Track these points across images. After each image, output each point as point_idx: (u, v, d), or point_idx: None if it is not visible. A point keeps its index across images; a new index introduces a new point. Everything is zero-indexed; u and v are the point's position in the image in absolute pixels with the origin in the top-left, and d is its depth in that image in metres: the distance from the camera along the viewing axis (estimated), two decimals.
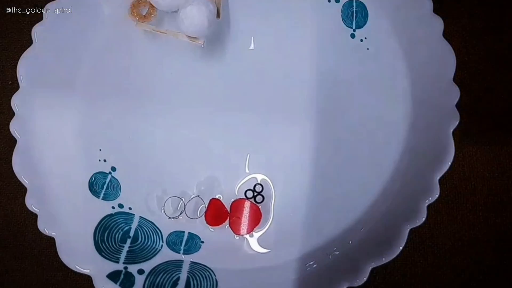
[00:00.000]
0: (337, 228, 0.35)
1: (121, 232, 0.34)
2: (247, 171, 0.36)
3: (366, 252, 0.32)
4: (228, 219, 0.34)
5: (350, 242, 0.34)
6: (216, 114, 0.36)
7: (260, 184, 0.35)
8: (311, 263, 0.34)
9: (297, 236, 0.35)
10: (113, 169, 0.36)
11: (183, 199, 0.34)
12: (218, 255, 0.34)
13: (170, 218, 0.34)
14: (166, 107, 0.37)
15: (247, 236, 0.35)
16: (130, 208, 0.35)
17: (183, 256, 0.34)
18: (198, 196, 0.35)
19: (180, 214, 0.34)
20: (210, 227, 0.34)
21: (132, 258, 0.33)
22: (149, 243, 0.34)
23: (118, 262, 0.33)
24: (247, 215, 0.34)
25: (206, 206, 0.34)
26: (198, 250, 0.34)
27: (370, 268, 0.30)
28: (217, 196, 0.35)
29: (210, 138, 0.36)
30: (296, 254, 0.35)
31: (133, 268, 0.33)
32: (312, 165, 0.36)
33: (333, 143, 0.36)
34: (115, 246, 0.33)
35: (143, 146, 0.36)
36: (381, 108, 0.35)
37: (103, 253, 0.33)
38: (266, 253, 0.35)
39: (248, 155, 0.36)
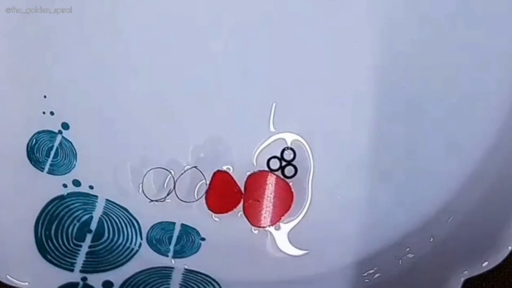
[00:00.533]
0: (411, 219, 0.28)
1: (78, 224, 0.28)
2: (271, 129, 0.29)
3: (455, 255, 0.26)
4: (241, 203, 0.28)
5: (431, 240, 0.27)
6: (222, 37, 0.29)
7: (291, 149, 0.28)
8: (371, 271, 0.27)
9: (349, 231, 0.28)
10: (65, 126, 0.28)
11: (173, 172, 0.28)
12: (227, 259, 0.28)
13: (152, 201, 0.28)
14: (143, 25, 0.29)
15: (272, 229, 0.28)
16: (91, 187, 0.28)
17: (173, 260, 0.28)
18: (195, 167, 0.28)
19: (168, 194, 0.28)
20: (213, 215, 0.28)
21: (94, 264, 0.27)
22: (120, 240, 0.28)
23: (72, 271, 0.26)
24: (272, 196, 0.28)
25: (208, 183, 0.28)
26: (196, 251, 0.28)
27: (462, 280, 0.25)
28: (224, 168, 0.29)
29: (214, 77, 0.29)
30: (348, 258, 0.28)
31: (95, 280, 0.26)
32: (373, 127, 0.29)
33: (406, 102, 0.29)
34: (68, 246, 0.27)
35: (111, 90, 0.29)
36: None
37: (49, 256, 0.26)
38: (300, 256, 0.28)
39: (274, 104, 0.29)
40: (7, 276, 0.25)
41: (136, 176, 0.29)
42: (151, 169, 0.28)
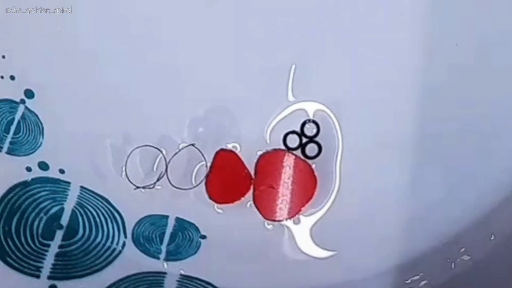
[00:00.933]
0: (467, 213, 0.24)
1: (45, 218, 0.25)
2: (290, 97, 0.25)
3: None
4: (251, 191, 0.25)
5: (492, 238, 0.24)
6: None
7: (314, 122, 0.25)
8: (416, 278, 0.24)
9: (389, 227, 0.25)
10: (29, 94, 0.25)
11: (164, 151, 0.25)
12: (233, 262, 0.25)
13: (138, 188, 0.25)
14: None
15: (290, 223, 0.25)
16: (61, 171, 0.25)
17: (165, 264, 0.25)
18: (192, 145, 0.25)
19: (158, 180, 0.25)
20: (215, 205, 0.25)
21: (66, 268, 0.24)
22: (98, 239, 0.25)
23: (38, 277, 0.24)
24: (289, 182, 0.25)
25: (209, 165, 0.25)
26: (195, 252, 0.25)
27: None
28: (229, 146, 0.25)
29: (217, 30, 0.25)
30: (386, 261, 0.24)
31: None
32: (419, 97, 0.25)
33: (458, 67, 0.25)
34: (32, 246, 0.24)
35: (86, 46, 0.25)
36: None
37: (9, 259, 0.24)
38: (326, 258, 0.25)
39: (293, 66, 0.25)
40: None
41: (118, 156, 0.25)
42: (137, 147, 0.25)
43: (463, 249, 0.24)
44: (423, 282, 0.24)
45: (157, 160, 0.25)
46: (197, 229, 0.24)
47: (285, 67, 0.25)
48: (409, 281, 0.24)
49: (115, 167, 0.25)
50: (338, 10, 0.25)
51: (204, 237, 0.24)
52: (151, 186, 0.25)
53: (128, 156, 0.25)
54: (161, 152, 0.25)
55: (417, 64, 0.25)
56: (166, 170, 0.25)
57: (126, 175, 0.25)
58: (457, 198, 0.25)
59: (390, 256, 0.24)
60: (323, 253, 0.25)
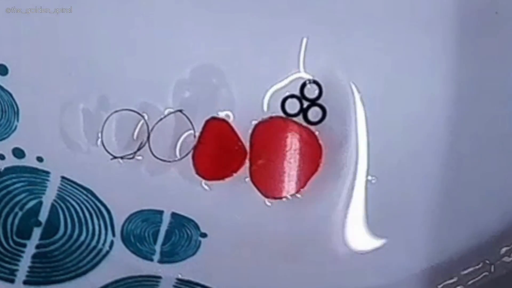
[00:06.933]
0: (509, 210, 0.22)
1: (20, 214, 0.23)
2: (301, 70, 0.23)
3: None
4: (246, 165, 0.23)
5: None
6: None
7: (315, 82, 0.22)
8: (450, 282, 0.22)
9: (417, 219, 0.22)
10: (2, 70, 0.23)
11: (146, 117, 0.23)
12: (238, 261, 0.23)
13: (115, 158, 0.23)
14: None
15: (294, 198, 0.23)
16: (39, 159, 0.23)
17: (160, 267, 0.23)
18: (180, 111, 0.23)
19: (139, 149, 0.23)
20: (202, 181, 0.23)
21: (45, 272, 0.22)
22: (83, 238, 0.23)
23: (12, 281, 0.22)
24: (291, 152, 0.23)
25: (197, 134, 0.23)
26: (194, 253, 0.23)
27: None
28: (221, 115, 0.23)
29: None
30: (416, 263, 0.22)
31: None
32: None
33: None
34: (6, 246, 0.22)
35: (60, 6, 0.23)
36: None
37: None
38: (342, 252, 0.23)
39: (305, 39, 0.22)
40: None
41: (93, 121, 0.23)
42: (115, 111, 0.23)
43: (504, 249, 0.21)
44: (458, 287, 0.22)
45: (138, 126, 0.23)
46: (196, 226, 0.22)
47: (296, 42, 0.22)
48: (441, 285, 0.21)
49: (89, 134, 0.23)
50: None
51: (204, 235, 0.22)
52: (130, 156, 0.22)
53: (105, 122, 0.23)
54: (143, 117, 0.22)
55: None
56: (147, 139, 0.22)
57: (102, 142, 0.22)
58: (498, 194, 0.22)
59: (420, 258, 0.22)
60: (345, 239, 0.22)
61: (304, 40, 0.22)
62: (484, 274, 0.21)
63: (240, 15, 0.22)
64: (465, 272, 0.22)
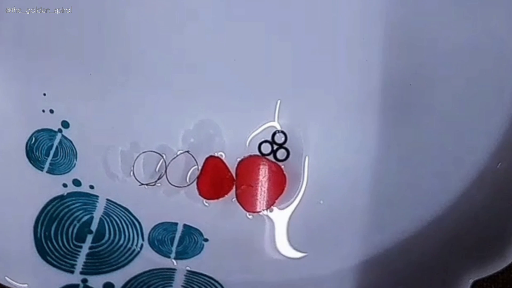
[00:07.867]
0: (421, 215, 0.26)
1: (78, 225, 0.26)
2: (274, 123, 0.27)
3: (463, 256, 0.24)
4: (234, 189, 0.27)
5: (438, 239, 0.25)
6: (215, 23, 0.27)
7: (282, 132, 0.27)
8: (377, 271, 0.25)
9: (352, 223, 0.26)
10: (65, 124, 0.27)
11: (164, 156, 0.27)
12: (229, 259, 0.26)
13: (142, 184, 0.27)
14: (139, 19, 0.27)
15: (267, 212, 0.27)
16: (91, 187, 0.27)
17: (175, 262, 0.26)
18: (187, 152, 0.27)
19: (159, 178, 0.27)
20: (204, 200, 0.27)
21: (95, 265, 0.26)
22: (122, 241, 0.26)
23: (73, 272, 0.25)
24: (264, 180, 0.27)
25: (200, 168, 0.27)
26: (199, 252, 0.26)
27: (471, 281, 0.23)
28: (216, 154, 0.27)
29: (209, 57, 0.27)
30: (352, 258, 0.26)
31: (96, 282, 0.25)
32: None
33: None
34: (68, 247, 0.26)
35: (107, 88, 0.27)
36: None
37: (49, 258, 0.25)
38: (301, 252, 0.26)
39: (279, 101, 0.27)
40: (6, 277, 0.24)
41: (126, 160, 0.27)
42: (143, 152, 0.27)
43: (416, 248, 0.25)
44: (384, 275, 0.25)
45: (159, 163, 0.27)
46: (201, 234, 0.26)
47: (262, 98, 0.27)
48: (367, 275, 0.25)
49: (124, 169, 0.27)
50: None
51: (206, 240, 0.26)
52: (153, 183, 0.27)
53: (135, 159, 0.27)
54: (162, 157, 0.27)
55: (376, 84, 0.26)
56: (165, 171, 0.27)
57: (133, 173, 0.27)
58: (417, 202, 0.26)
59: (352, 252, 0.26)
60: (297, 249, 0.26)
61: (278, 102, 0.27)
62: (402, 265, 0.24)
63: (232, 84, 0.27)
64: (390, 264, 0.25)
